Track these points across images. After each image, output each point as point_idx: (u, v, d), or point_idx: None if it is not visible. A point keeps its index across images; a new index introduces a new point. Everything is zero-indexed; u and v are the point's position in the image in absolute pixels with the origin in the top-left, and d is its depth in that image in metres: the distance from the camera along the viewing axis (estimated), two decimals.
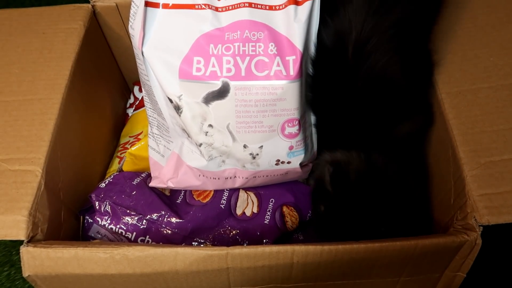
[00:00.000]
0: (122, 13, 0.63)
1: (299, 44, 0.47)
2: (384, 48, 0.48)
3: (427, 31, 0.53)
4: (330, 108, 0.52)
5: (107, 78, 0.69)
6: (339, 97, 0.51)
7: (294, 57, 0.47)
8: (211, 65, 0.47)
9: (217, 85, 0.47)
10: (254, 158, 0.51)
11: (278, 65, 0.47)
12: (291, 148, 0.51)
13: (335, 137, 0.54)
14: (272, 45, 0.47)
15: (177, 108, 0.49)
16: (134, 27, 0.48)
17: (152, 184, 0.57)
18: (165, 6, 0.48)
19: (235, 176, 0.54)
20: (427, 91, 0.53)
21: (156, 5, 0.48)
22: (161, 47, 0.48)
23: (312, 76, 0.50)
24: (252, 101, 0.48)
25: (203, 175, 0.54)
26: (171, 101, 0.49)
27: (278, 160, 0.52)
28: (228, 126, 0.49)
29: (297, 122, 0.50)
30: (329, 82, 0.50)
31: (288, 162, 0.53)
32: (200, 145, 0.51)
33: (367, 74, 0.48)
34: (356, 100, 0.50)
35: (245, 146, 0.50)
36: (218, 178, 0.54)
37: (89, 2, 0.61)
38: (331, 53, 0.49)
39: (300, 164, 0.53)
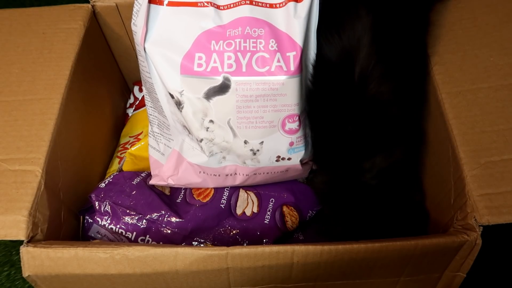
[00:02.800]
0: (122, 13, 0.63)
1: (299, 40, 0.48)
2: (388, 75, 0.48)
3: (425, 51, 0.54)
4: (326, 124, 0.52)
5: (107, 78, 0.69)
6: (337, 115, 0.50)
7: (294, 52, 0.48)
8: (213, 61, 0.48)
9: (218, 80, 0.48)
10: (254, 154, 0.51)
11: (278, 60, 0.48)
12: (291, 144, 0.52)
13: (329, 153, 0.54)
14: (272, 41, 0.48)
15: (178, 104, 0.49)
16: (137, 24, 0.48)
17: (152, 182, 0.57)
18: (170, 3, 0.48)
19: (235, 173, 0.54)
20: (420, 116, 0.54)
21: (160, 2, 0.48)
22: (163, 43, 0.48)
23: (311, 89, 0.51)
24: (253, 96, 0.48)
25: (204, 172, 0.54)
26: (172, 96, 0.49)
27: (279, 157, 0.52)
28: (229, 122, 0.49)
29: (297, 117, 0.50)
30: (330, 98, 0.50)
31: (289, 159, 0.53)
32: (201, 140, 0.51)
33: (371, 97, 0.48)
34: (356, 121, 0.50)
35: (245, 142, 0.50)
36: (219, 175, 0.54)
37: (89, 2, 0.61)
38: (336, 70, 0.49)
39: (301, 161, 0.54)
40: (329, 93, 0.50)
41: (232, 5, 0.48)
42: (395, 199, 0.52)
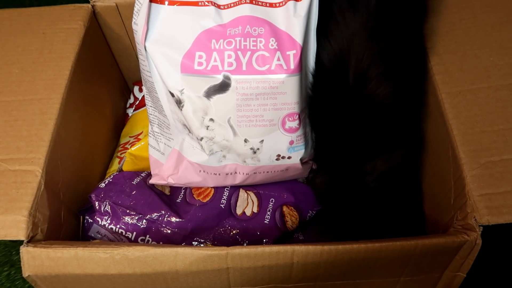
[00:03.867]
0: (122, 13, 0.63)
1: (299, 39, 0.48)
2: (385, 77, 0.48)
3: (422, 51, 0.54)
4: (327, 128, 0.52)
5: (107, 78, 0.69)
6: (336, 119, 0.51)
7: (294, 51, 0.48)
8: (213, 60, 0.48)
9: (218, 79, 0.48)
10: (254, 152, 0.52)
11: (278, 59, 0.48)
12: (291, 143, 0.52)
13: (331, 156, 0.54)
14: (272, 40, 0.48)
15: (179, 103, 0.49)
16: (138, 23, 0.48)
17: (152, 181, 0.57)
18: (171, 3, 0.48)
19: (235, 172, 0.54)
20: (420, 118, 0.55)
21: (161, 2, 0.48)
22: (164, 42, 0.48)
23: (311, 96, 0.51)
24: (253, 95, 0.48)
25: (204, 171, 0.54)
26: (172, 95, 0.49)
27: (279, 155, 0.52)
28: (229, 120, 0.49)
29: (297, 116, 0.50)
30: (329, 103, 0.51)
31: (289, 158, 0.53)
32: (201, 139, 0.51)
33: (367, 101, 0.48)
34: (355, 124, 0.50)
35: (246, 141, 0.50)
36: (219, 174, 0.54)
37: (89, 2, 0.61)
38: (331, 74, 0.49)
39: (301, 160, 0.54)
40: (328, 98, 0.50)
41: (232, 4, 0.48)
42: (394, 201, 0.52)
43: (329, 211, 0.55)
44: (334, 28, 0.48)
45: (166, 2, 0.48)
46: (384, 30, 0.48)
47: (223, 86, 0.48)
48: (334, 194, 0.53)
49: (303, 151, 0.53)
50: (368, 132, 0.49)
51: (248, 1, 0.48)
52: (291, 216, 0.56)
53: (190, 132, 0.52)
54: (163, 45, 0.48)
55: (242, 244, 0.54)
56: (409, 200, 0.55)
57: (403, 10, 0.50)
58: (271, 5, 0.48)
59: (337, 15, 0.48)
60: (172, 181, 0.56)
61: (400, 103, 0.49)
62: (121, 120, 0.72)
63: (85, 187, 0.57)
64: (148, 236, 0.54)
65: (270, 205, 0.57)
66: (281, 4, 0.48)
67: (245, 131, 0.50)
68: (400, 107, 0.49)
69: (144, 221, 0.54)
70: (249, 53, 0.48)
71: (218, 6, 0.49)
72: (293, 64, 0.48)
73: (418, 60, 0.53)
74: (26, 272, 0.43)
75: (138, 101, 0.71)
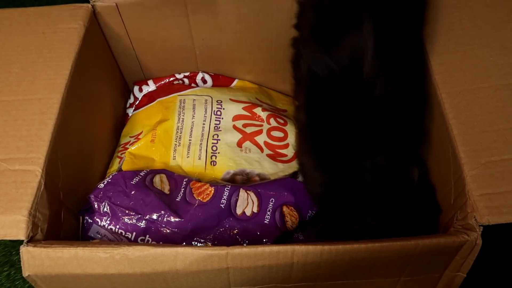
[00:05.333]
0: (122, 13, 0.63)
1: None
2: (397, 73, 0.48)
3: (423, 49, 0.54)
4: (331, 127, 0.52)
5: (107, 78, 0.69)
6: (344, 118, 0.50)
7: None
8: None
9: None
10: None
11: None
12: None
13: (330, 153, 0.53)
14: None
15: None
16: None
17: None
18: None
19: None
20: (423, 116, 0.55)
21: None
22: None
23: (312, 93, 0.51)
24: None
25: None
26: None
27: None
28: None
29: None
30: (337, 101, 0.50)
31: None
32: None
33: (379, 98, 0.48)
34: (362, 122, 0.49)
35: None
36: None
37: (89, 2, 0.61)
38: (345, 73, 0.49)
39: None
40: (336, 96, 0.50)
41: None
42: (402, 199, 0.51)
43: (329, 214, 0.55)
44: (353, 27, 0.48)
45: None
46: (391, 30, 0.48)
47: None
48: (333, 195, 0.53)
49: None
50: (373, 129, 0.49)
51: None
52: (291, 216, 0.56)
53: None
54: None
55: (242, 244, 0.54)
56: (419, 197, 0.54)
57: (407, 17, 0.50)
58: None
59: (356, 14, 0.48)
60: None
61: (406, 100, 0.49)
62: (121, 120, 0.72)
63: (85, 187, 0.57)
64: (147, 236, 0.54)
65: (270, 205, 0.57)
66: None
67: None
68: (406, 104, 0.49)
69: (144, 221, 0.54)
70: None
71: None
72: None
73: (420, 60, 0.53)
74: (26, 272, 0.43)
75: (138, 101, 0.71)
